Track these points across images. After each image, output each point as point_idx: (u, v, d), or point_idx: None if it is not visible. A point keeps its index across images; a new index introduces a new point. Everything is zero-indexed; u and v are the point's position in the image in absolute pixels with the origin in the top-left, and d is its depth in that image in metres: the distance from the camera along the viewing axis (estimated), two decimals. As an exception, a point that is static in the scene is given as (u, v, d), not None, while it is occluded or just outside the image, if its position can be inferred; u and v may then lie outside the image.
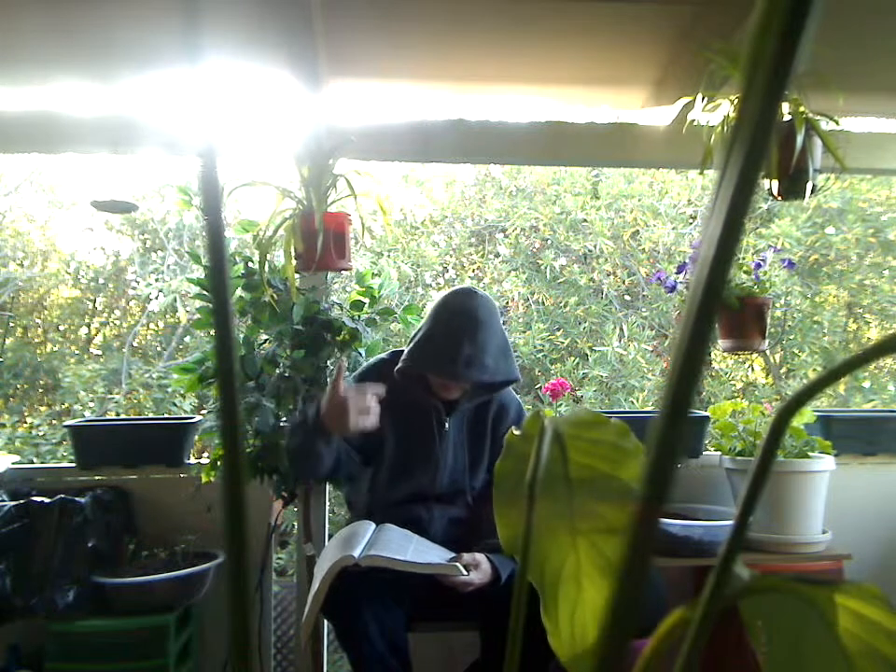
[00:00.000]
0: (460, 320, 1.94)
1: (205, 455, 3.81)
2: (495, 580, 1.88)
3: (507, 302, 5.40)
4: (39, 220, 6.06)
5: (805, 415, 2.48)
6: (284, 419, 2.36)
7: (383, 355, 2.21)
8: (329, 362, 2.42)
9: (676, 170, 5.04)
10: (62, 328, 6.14)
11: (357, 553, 1.80)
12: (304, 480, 2.34)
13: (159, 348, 5.92)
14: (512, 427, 2.10)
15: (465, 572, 1.82)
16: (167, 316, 5.89)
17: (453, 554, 1.91)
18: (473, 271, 5.72)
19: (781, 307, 5.28)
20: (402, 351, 2.08)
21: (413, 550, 1.88)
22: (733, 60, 1.96)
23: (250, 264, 2.38)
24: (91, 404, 5.18)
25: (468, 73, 2.56)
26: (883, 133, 2.75)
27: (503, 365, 1.98)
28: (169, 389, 5.13)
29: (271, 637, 2.60)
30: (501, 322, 2.04)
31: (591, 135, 2.66)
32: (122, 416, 5.12)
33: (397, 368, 2.03)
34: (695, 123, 2.19)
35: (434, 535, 2.04)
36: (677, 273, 2.43)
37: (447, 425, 2.08)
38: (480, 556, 1.88)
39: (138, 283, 5.91)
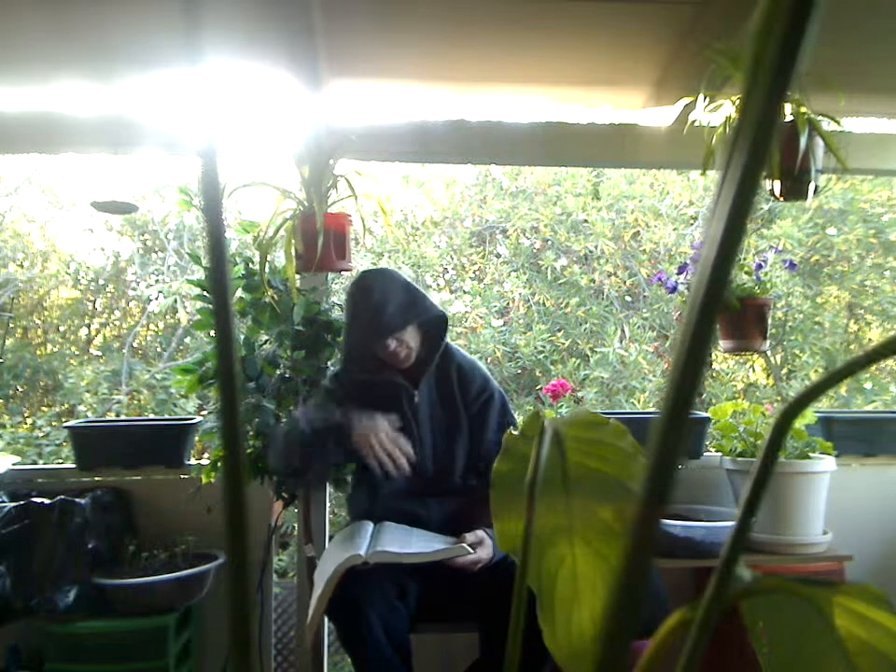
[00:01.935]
0: (357, 300, 2.07)
1: (206, 455, 3.81)
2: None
3: (508, 303, 5.40)
4: (39, 221, 6.05)
5: (806, 416, 2.47)
6: (284, 420, 2.36)
7: (335, 368, 2.28)
8: (329, 363, 2.42)
9: (677, 170, 5.04)
10: (62, 328, 6.14)
11: (363, 552, 1.81)
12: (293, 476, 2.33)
13: (159, 349, 5.92)
14: (482, 393, 2.08)
15: (472, 551, 1.87)
16: (167, 317, 5.89)
17: (454, 539, 1.94)
18: (474, 271, 5.71)
19: (782, 308, 5.28)
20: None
21: (415, 541, 1.91)
22: (734, 60, 1.96)
23: (251, 265, 2.38)
24: (95, 405, 5.18)
25: (468, 73, 2.56)
26: (885, 133, 2.75)
27: (414, 308, 2.07)
28: (171, 390, 5.12)
29: (271, 638, 2.60)
30: (402, 281, 2.12)
31: (591, 136, 2.66)
32: (122, 417, 5.12)
33: (336, 374, 2.19)
34: (696, 124, 2.19)
35: (434, 530, 2.05)
36: (678, 274, 2.43)
37: (416, 398, 2.13)
38: (481, 533, 1.94)
39: (138, 284, 5.91)
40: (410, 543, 1.89)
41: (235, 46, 2.34)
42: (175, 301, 5.39)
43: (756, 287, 2.30)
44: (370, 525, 2.02)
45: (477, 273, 5.70)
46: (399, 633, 1.83)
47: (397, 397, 2.12)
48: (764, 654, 0.45)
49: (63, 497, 2.27)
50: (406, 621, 1.88)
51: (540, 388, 4.53)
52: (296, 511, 2.54)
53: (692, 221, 5.37)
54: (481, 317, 5.21)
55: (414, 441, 2.09)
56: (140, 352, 5.98)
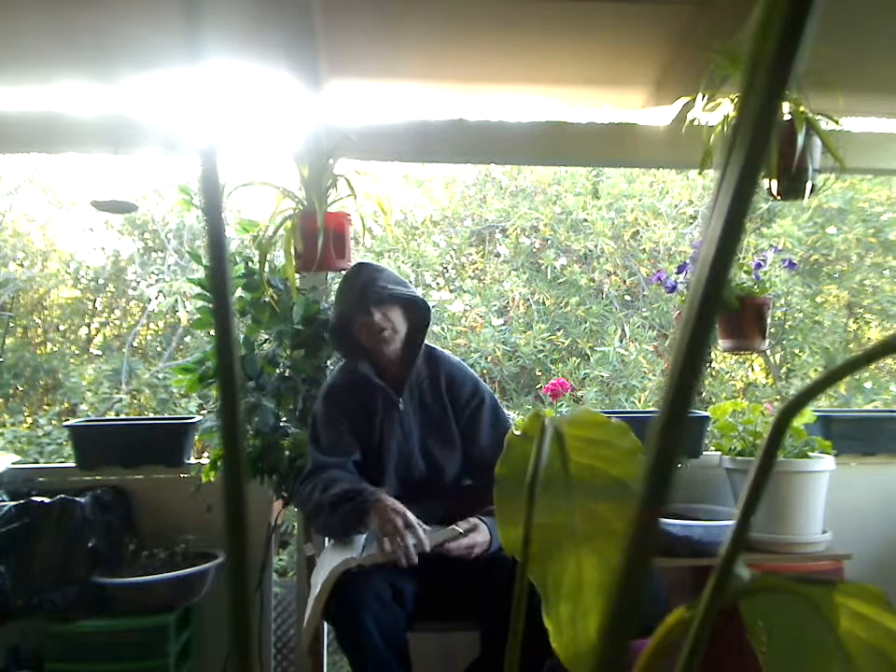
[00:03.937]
0: (350, 282, 2.08)
1: (205, 454, 3.81)
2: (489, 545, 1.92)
3: (507, 302, 5.40)
4: (39, 220, 6.06)
5: (806, 415, 2.47)
6: (284, 419, 2.36)
7: (334, 373, 2.24)
8: (328, 362, 2.42)
9: (676, 170, 5.04)
10: (62, 328, 6.14)
11: (356, 554, 1.82)
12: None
13: (159, 348, 5.92)
14: (473, 398, 2.02)
15: (462, 531, 1.86)
16: (167, 316, 5.89)
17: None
18: (473, 271, 5.72)
19: (782, 307, 5.28)
20: (346, 363, 2.16)
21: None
22: (733, 59, 1.96)
23: (250, 264, 2.38)
24: (96, 404, 5.18)
25: (468, 73, 2.56)
26: (883, 132, 2.75)
27: (401, 288, 2.08)
28: (172, 389, 5.13)
29: (271, 637, 2.60)
30: (391, 270, 2.17)
31: (591, 135, 2.66)
32: (122, 416, 5.12)
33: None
34: (695, 123, 2.19)
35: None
36: (677, 273, 2.43)
37: (401, 404, 2.09)
38: (474, 520, 1.91)
39: (138, 283, 5.91)
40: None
41: (235, 46, 2.33)
42: (176, 300, 5.39)
43: (755, 287, 2.30)
44: None
45: (477, 272, 5.70)
46: (396, 633, 1.82)
47: (378, 400, 2.09)
48: (763, 653, 0.45)
49: (63, 495, 2.27)
50: (403, 620, 1.88)
51: (540, 387, 4.53)
52: (296, 509, 2.53)
53: (691, 220, 5.37)
54: (480, 316, 5.21)
55: (400, 438, 2.08)
56: (140, 351, 5.98)
